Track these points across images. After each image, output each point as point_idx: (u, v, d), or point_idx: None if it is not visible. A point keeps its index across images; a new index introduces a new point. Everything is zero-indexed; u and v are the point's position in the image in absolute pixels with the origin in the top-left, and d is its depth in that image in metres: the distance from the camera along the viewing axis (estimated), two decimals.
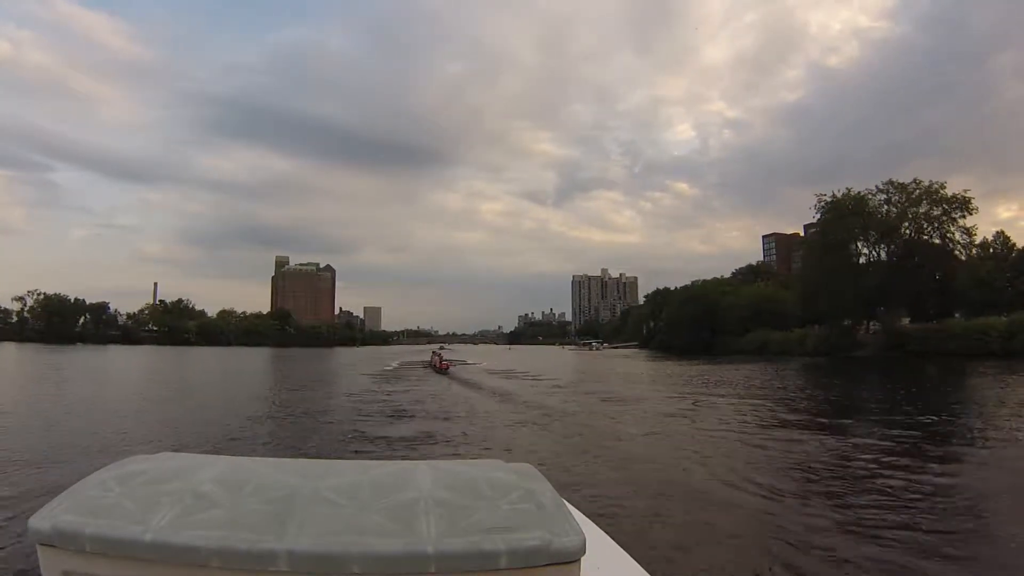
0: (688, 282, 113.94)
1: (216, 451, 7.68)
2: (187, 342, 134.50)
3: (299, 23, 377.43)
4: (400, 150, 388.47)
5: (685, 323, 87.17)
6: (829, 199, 59.40)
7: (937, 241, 55.18)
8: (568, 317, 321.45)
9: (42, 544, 1.28)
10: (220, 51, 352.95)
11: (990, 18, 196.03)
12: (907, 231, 56.40)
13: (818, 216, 60.74)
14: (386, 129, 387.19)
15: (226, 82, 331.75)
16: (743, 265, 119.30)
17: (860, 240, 58.93)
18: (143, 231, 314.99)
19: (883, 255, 58.22)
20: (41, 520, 1.29)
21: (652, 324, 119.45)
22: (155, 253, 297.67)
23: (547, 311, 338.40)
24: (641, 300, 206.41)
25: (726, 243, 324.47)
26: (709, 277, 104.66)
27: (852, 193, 58.69)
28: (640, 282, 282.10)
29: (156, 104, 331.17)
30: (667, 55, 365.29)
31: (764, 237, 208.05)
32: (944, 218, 54.30)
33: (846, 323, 60.20)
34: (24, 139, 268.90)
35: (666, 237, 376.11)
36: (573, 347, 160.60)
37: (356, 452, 11.68)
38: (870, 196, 58.17)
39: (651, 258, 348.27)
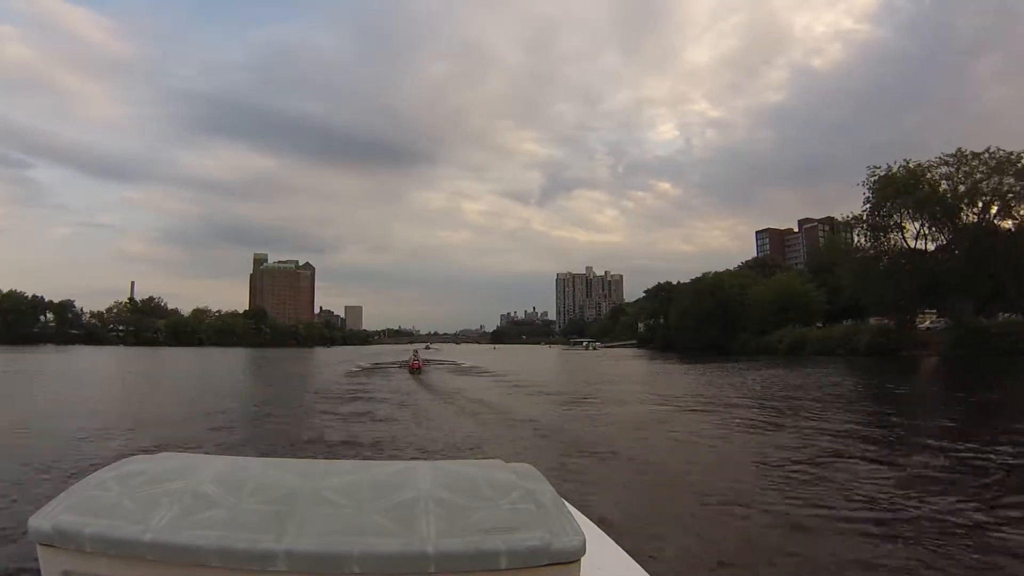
0: (675, 280, 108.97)
1: None
2: (155, 342, 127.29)
3: (284, 21, 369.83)
4: (383, 149, 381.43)
5: (697, 319, 79.76)
6: (883, 172, 51.78)
7: (1011, 223, 47.68)
8: (551, 316, 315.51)
9: (42, 544, 1.27)
10: (204, 48, 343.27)
11: (973, 22, 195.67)
12: (978, 209, 48.71)
13: (868, 192, 52.74)
14: (370, 128, 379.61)
15: (210, 80, 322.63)
16: (732, 264, 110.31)
17: (920, 219, 51.19)
18: (124, 230, 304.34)
19: (949, 237, 50.36)
20: (41, 520, 1.27)
21: (653, 321, 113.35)
22: (136, 252, 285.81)
23: (530, 310, 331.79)
24: (626, 299, 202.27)
25: (707, 242, 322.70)
26: (694, 276, 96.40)
27: (910, 165, 51.06)
28: (625, 280, 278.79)
29: (138, 101, 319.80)
30: (652, 56, 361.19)
31: (757, 233, 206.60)
32: None
33: (904, 318, 52.33)
34: (2, 135, 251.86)
35: (648, 236, 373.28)
36: (563, 346, 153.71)
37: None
38: (931, 167, 50.49)
39: (633, 257, 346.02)
